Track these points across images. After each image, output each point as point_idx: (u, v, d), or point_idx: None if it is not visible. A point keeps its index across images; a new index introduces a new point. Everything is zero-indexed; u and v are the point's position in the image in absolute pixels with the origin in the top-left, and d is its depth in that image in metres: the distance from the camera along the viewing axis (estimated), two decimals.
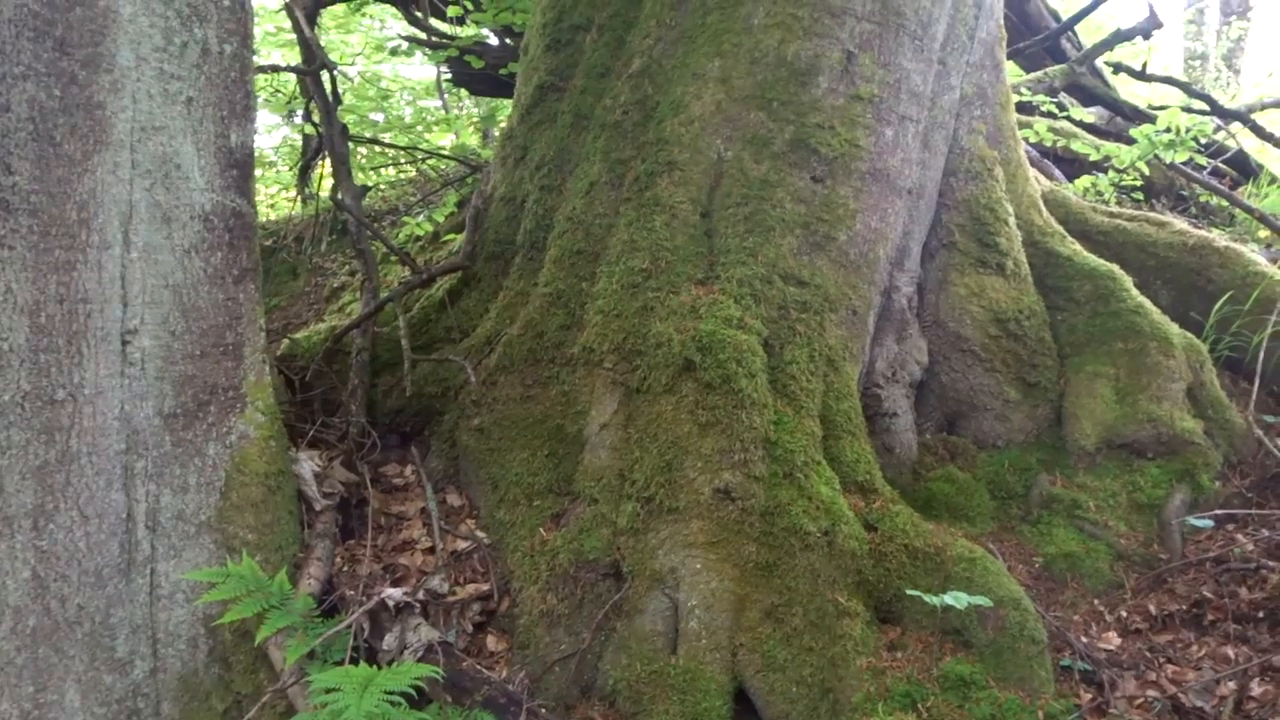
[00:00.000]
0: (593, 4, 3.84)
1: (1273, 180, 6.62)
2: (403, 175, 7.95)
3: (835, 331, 3.28)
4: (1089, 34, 9.18)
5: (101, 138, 2.57)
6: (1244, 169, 6.72)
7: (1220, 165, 6.58)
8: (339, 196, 4.14)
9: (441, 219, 6.00)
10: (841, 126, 3.36)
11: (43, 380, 2.48)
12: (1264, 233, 5.71)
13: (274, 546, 2.82)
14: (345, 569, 2.85)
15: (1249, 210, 5.74)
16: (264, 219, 7.82)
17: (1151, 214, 4.53)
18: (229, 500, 2.79)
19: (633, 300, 3.21)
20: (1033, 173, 4.40)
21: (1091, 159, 5.73)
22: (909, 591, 2.75)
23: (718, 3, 3.48)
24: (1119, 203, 5.91)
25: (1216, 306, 3.86)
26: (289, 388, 3.48)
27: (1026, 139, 6.07)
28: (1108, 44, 6.99)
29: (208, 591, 2.57)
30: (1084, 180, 5.85)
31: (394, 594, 2.72)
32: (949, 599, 2.58)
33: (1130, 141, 5.72)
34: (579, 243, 3.47)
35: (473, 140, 8.15)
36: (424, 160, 7.05)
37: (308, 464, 3.02)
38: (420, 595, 2.81)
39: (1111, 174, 5.70)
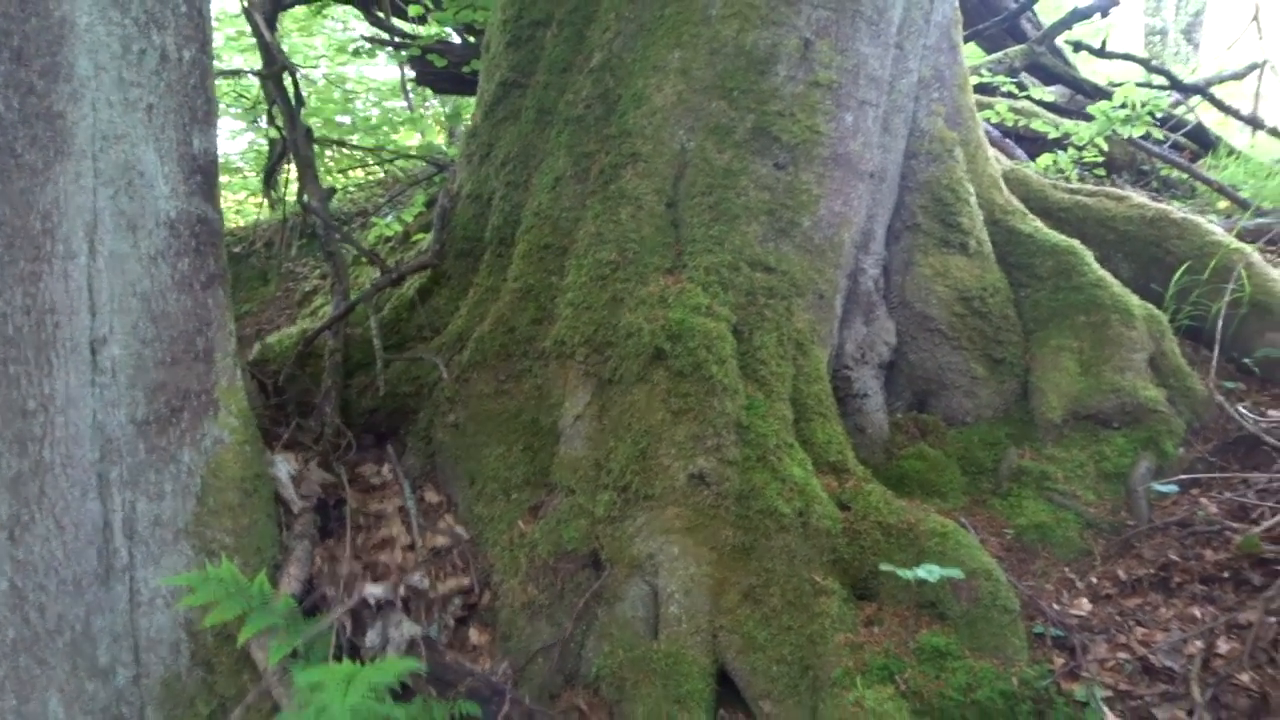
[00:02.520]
0: None
1: (1231, 152, 6.74)
2: (370, 177, 7.93)
3: (803, 316, 3.32)
4: (1048, 13, 9.28)
5: (62, 147, 2.56)
6: (1203, 141, 6.83)
7: (1180, 139, 6.69)
8: (306, 199, 4.14)
9: (410, 219, 6.00)
10: (802, 113, 3.39)
11: (13, 392, 2.48)
12: (1224, 204, 5.81)
13: (253, 549, 2.83)
14: (325, 569, 2.86)
15: (1208, 182, 5.85)
16: (232, 225, 7.78)
17: (1111, 189, 4.60)
18: (206, 505, 2.79)
19: (602, 292, 3.24)
20: (993, 152, 4.46)
21: (1051, 137, 5.82)
22: (883, 567, 2.80)
23: None
24: (1081, 179, 6.00)
25: (1175, 277, 3.93)
26: (262, 391, 3.48)
27: (988, 119, 6.15)
28: (1066, 23, 7.08)
29: (187, 596, 2.58)
30: (1045, 158, 5.94)
31: (375, 591, 2.74)
32: (922, 572, 2.63)
33: (1090, 118, 5.81)
34: (547, 237, 3.49)
35: (439, 139, 8.15)
36: (390, 161, 7.04)
37: (284, 466, 3.03)
38: (401, 592, 2.83)
39: (1071, 151, 5.79)
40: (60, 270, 2.57)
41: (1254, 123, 6.96)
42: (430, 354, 3.44)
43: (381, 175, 7.72)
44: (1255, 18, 11.79)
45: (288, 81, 4.25)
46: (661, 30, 3.49)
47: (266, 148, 8.02)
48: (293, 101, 4.26)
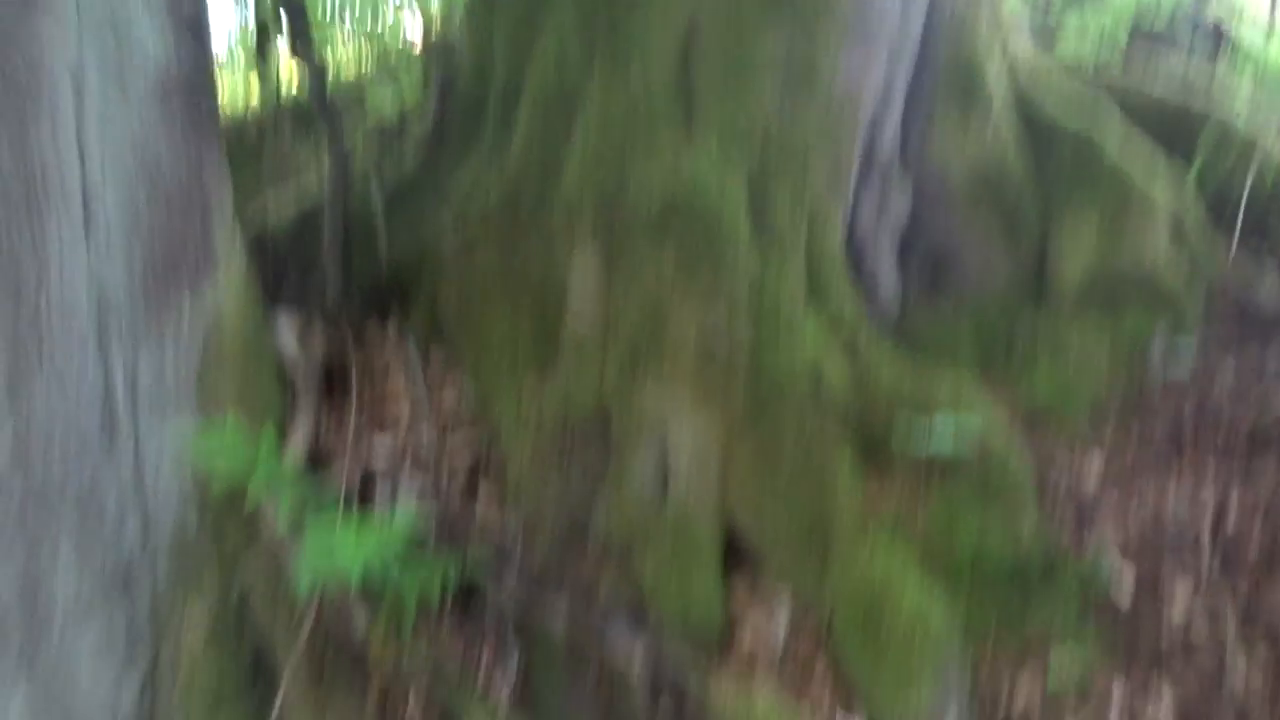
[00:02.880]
0: None
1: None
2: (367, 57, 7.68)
3: (818, 179, 3.22)
4: None
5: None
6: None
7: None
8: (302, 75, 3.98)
9: (407, 88, 5.79)
10: None
11: (4, 239, 2.40)
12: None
13: (258, 407, 2.79)
14: (332, 427, 2.83)
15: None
16: (224, 114, 7.56)
17: (1137, 56, 4.47)
18: (208, 364, 2.75)
19: (611, 150, 3.12)
20: (1015, 19, 4.30)
21: None
22: (896, 425, 2.78)
23: None
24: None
25: (1201, 149, 3.82)
26: (262, 252, 3.39)
27: None
28: None
29: (194, 454, 2.55)
30: (1071, 20, 5.71)
31: (383, 449, 2.72)
32: (936, 426, 2.61)
33: None
34: (553, 99, 3.36)
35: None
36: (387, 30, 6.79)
37: (287, 323, 2.97)
38: (409, 452, 2.81)
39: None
40: (47, 114, 2.47)
41: None
42: (435, 212, 3.35)
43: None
44: None
45: None
46: None
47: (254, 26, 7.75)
48: None
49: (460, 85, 3.84)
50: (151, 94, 2.68)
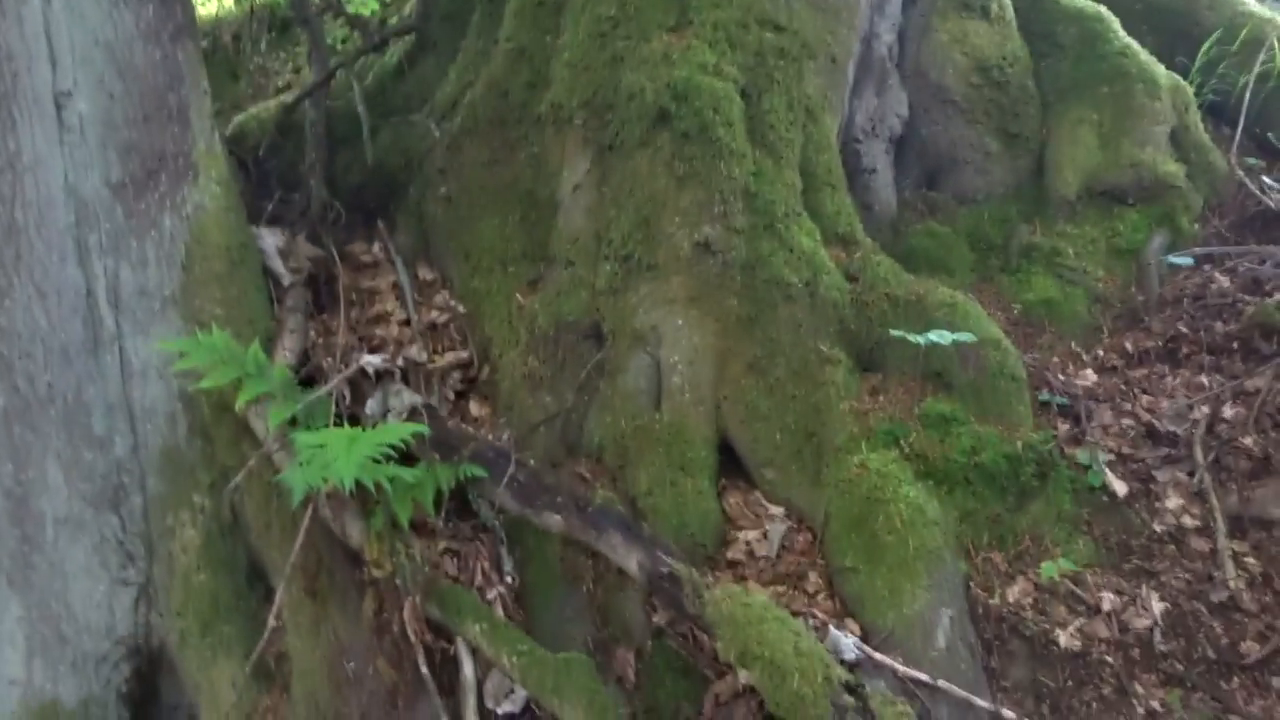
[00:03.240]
0: None
1: None
2: None
3: (814, 80, 3.13)
4: None
5: None
6: None
7: None
8: None
9: None
10: None
11: None
12: None
13: (244, 321, 2.73)
14: (320, 341, 2.79)
15: None
16: (199, 19, 7.30)
17: None
18: (192, 274, 2.68)
19: (601, 51, 3.02)
20: None
21: None
22: (892, 332, 2.75)
23: None
24: None
25: (1204, 49, 3.73)
26: (242, 167, 3.31)
27: None
28: None
29: (180, 362, 2.51)
30: None
31: (373, 360, 2.68)
32: (934, 335, 2.58)
33: None
34: None
35: None
36: None
37: (271, 239, 2.91)
38: (399, 363, 2.77)
39: None
40: (14, 14, 2.35)
41: None
42: (420, 120, 3.25)
43: None
44: None
45: None
46: None
47: None
48: None
49: None
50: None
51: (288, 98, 3.72)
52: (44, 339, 2.48)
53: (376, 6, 5.37)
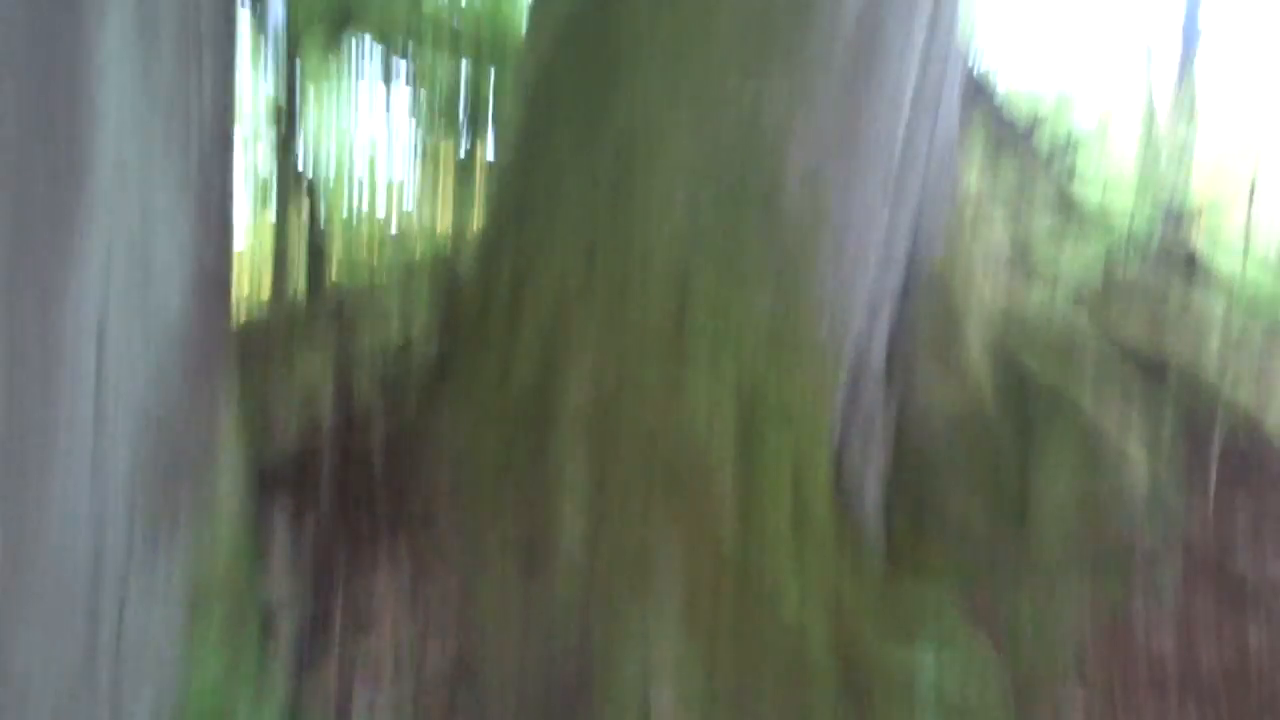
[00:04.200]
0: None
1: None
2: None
3: (805, 400, 3.33)
4: None
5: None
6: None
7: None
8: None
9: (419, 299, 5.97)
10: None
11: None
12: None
13: (240, 664, 2.77)
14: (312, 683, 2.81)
15: None
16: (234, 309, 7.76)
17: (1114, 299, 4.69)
18: (194, 618, 2.74)
19: (606, 380, 3.26)
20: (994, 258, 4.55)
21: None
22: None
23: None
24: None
25: (1173, 402, 3.98)
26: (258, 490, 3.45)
27: None
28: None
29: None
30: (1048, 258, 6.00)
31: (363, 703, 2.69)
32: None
33: None
34: (551, 334, 3.48)
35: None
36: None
37: (276, 571, 3.00)
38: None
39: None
40: (70, 371, 2.55)
41: None
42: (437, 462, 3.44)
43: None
44: None
45: None
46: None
47: None
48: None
49: (466, 312, 4.01)
50: (170, 342, 2.80)
51: (311, 413, 3.93)
52: (39, 682, 2.49)
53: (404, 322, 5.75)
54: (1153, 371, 4.19)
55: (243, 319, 6.56)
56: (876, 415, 3.61)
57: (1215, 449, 3.75)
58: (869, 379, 3.60)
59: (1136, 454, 3.68)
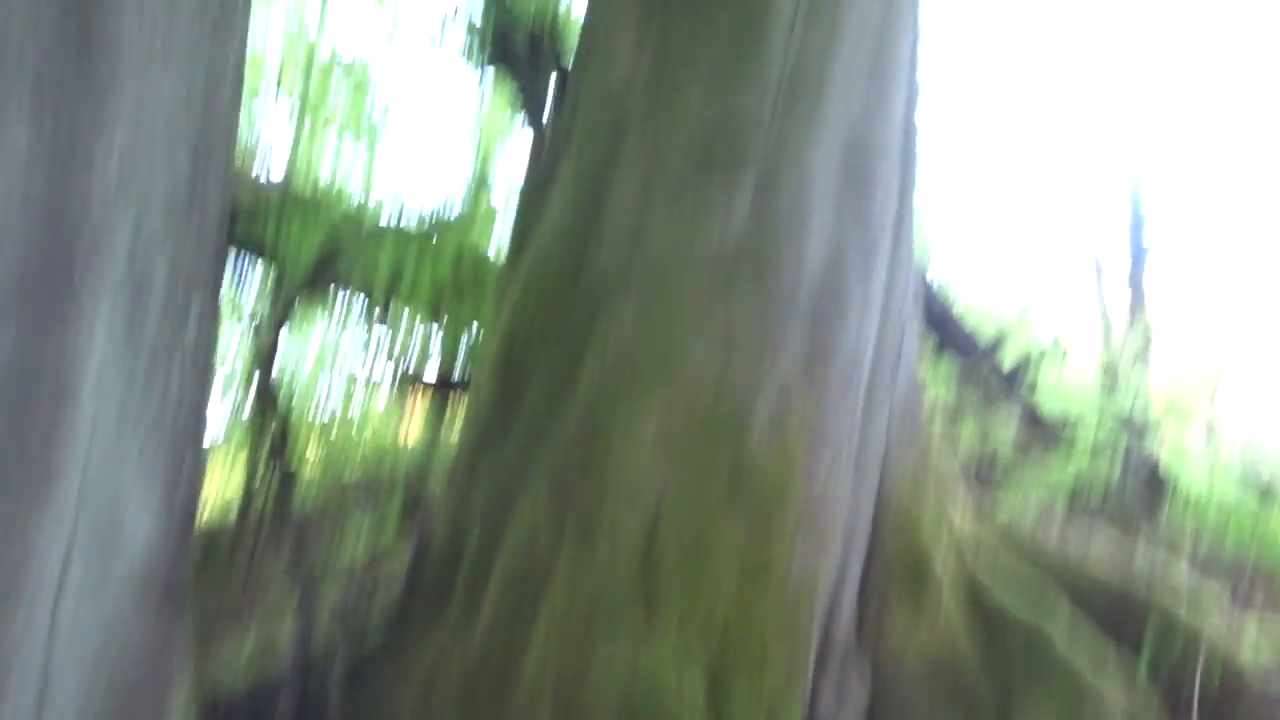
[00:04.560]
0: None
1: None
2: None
3: (776, 672, 3.25)
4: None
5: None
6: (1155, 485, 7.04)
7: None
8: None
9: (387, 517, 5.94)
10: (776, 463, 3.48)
11: None
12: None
13: None
14: None
15: None
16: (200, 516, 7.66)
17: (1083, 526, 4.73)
18: None
19: (574, 641, 3.19)
20: (959, 492, 4.60)
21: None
22: None
23: None
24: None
25: (1147, 641, 3.94)
26: None
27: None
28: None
29: None
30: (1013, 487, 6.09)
31: None
32: None
33: None
34: (521, 579, 3.46)
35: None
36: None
37: None
38: None
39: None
40: (26, 603, 2.47)
41: None
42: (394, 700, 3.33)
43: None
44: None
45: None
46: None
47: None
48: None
49: (435, 547, 3.98)
50: (131, 579, 2.74)
51: (270, 640, 3.83)
52: None
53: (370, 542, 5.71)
54: (1124, 603, 4.17)
55: (206, 541, 6.49)
56: (850, 661, 3.56)
57: (1195, 690, 3.69)
58: (840, 622, 3.57)
59: (1114, 697, 3.61)
